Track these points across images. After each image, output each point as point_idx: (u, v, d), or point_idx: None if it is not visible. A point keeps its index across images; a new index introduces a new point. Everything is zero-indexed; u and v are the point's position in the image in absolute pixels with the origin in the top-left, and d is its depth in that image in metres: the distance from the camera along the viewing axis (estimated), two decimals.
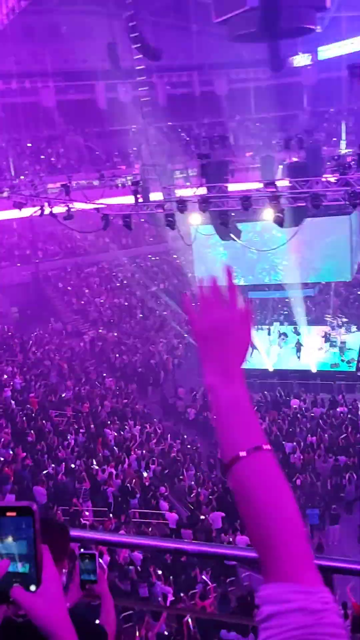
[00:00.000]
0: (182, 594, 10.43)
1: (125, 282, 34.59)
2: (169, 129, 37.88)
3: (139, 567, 11.64)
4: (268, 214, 18.96)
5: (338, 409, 20.98)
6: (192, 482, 16.48)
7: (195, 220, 21.04)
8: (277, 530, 1.01)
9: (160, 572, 11.40)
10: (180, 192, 20.69)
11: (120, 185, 29.32)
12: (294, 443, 18.28)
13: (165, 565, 12.00)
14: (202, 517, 14.42)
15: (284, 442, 18.50)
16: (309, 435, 18.89)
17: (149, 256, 37.08)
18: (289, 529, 1.02)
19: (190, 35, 37.69)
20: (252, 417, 1.16)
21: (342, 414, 20.45)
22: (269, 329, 28.43)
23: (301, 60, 41.31)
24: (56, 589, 1.04)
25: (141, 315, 31.97)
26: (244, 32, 21.98)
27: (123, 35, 26.41)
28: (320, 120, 40.63)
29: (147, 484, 16.17)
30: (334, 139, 31.87)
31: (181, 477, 16.81)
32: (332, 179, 19.11)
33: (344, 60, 28.37)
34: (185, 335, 29.37)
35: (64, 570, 2.17)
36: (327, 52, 38.85)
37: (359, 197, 18.09)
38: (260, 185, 20.05)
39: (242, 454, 1.08)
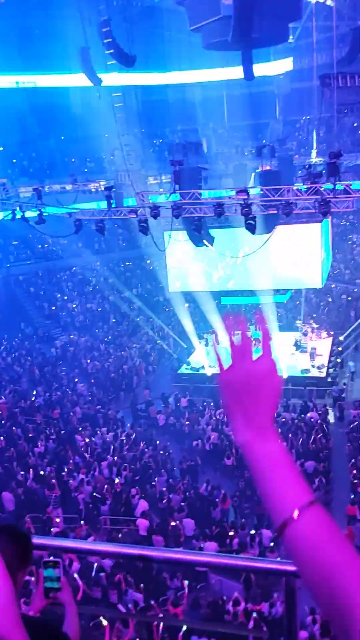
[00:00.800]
0: (152, 602, 10.40)
1: (98, 287, 34.46)
2: (143, 135, 37.94)
3: (108, 574, 11.58)
4: (240, 221, 19.14)
5: (308, 415, 21.19)
6: (164, 488, 16.45)
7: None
8: (352, 593, 0.89)
9: (130, 579, 11.35)
10: (153, 198, 20.76)
11: (93, 190, 29.27)
12: None
13: (136, 572, 11.96)
14: (174, 523, 14.41)
15: None
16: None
17: (123, 261, 37.02)
18: None
19: (165, 41, 37.85)
20: (294, 471, 1.10)
21: (312, 420, 20.66)
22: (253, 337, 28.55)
23: (273, 69, 41.80)
24: (5, 596, 1.04)
25: (114, 320, 31.87)
26: (217, 40, 22.18)
27: (97, 40, 26.37)
28: (292, 129, 41.21)
29: (118, 490, 16.10)
30: (305, 148, 32.33)
31: (153, 483, 16.77)
32: (304, 188, 19.39)
33: (315, 70, 28.81)
34: (159, 341, 29.39)
35: (32, 578, 2.17)
36: (298, 61, 39.42)
37: (329, 205, 18.40)
38: (232, 193, 20.24)
39: (295, 515, 1.00)
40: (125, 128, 32.82)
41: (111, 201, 20.41)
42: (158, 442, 20.24)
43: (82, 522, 14.38)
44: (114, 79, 30.80)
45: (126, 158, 24.50)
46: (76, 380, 25.12)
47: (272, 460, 1.10)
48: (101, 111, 32.72)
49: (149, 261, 35.24)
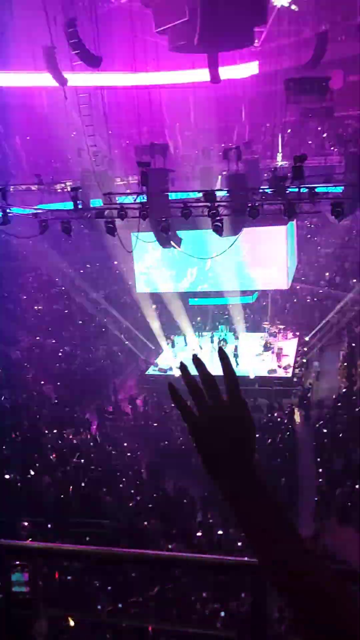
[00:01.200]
0: (119, 604, 10.38)
1: (64, 288, 34.15)
2: (110, 136, 37.76)
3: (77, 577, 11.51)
4: (207, 223, 19.25)
5: (275, 414, 21.43)
6: (132, 490, 16.42)
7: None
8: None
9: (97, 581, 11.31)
10: (120, 199, 20.70)
11: (59, 191, 29.01)
12: None
13: (104, 574, 11.91)
14: (143, 524, 14.40)
15: None
16: None
17: (89, 263, 36.76)
18: None
19: (131, 43, 37.74)
20: (285, 521, 1.06)
21: (278, 419, 20.90)
22: (211, 336, 28.78)
23: (239, 72, 42.07)
24: None
25: (81, 322, 31.64)
26: (183, 43, 22.26)
27: (62, 40, 26.15)
28: (258, 133, 41.57)
29: (85, 492, 16.00)
30: (271, 151, 32.66)
31: (120, 485, 16.72)
32: (269, 190, 19.61)
33: (280, 75, 29.10)
34: (126, 342, 29.30)
35: None
36: (264, 65, 39.76)
37: (294, 208, 18.65)
38: (199, 195, 20.33)
39: (294, 567, 0.98)
40: (92, 129, 32.65)
41: (77, 202, 20.27)
42: (125, 444, 20.21)
43: (48, 525, 14.24)
44: (80, 79, 30.61)
45: (92, 159, 24.35)
46: (42, 382, 24.87)
47: (262, 516, 1.05)
48: (67, 111, 32.50)
49: (116, 262, 35.10)
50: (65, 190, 26.43)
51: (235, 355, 26.19)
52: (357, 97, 35.99)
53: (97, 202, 21.47)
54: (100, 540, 13.17)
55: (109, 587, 11.42)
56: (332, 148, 31.61)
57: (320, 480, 16.79)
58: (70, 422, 21.33)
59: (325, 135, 32.32)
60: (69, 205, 20.78)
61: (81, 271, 35.27)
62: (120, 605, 10.40)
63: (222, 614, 10.04)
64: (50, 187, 28.47)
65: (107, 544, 13.13)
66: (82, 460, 17.89)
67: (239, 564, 2.42)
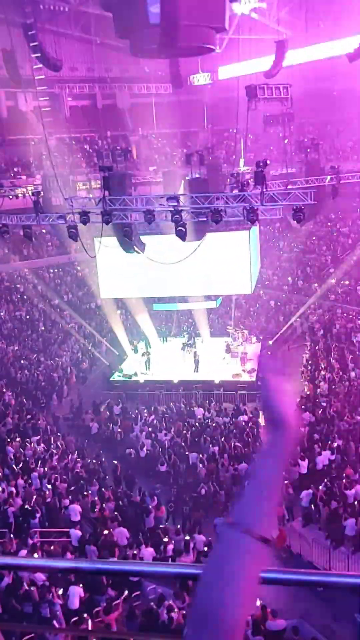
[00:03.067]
0: (85, 615, 10.20)
1: (26, 294, 33.66)
2: (72, 140, 37.52)
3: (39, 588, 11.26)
4: (171, 228, 19.26)
5: (240, 418, 21.50)
6: (96, 498, 16.22)
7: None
8: None
9: (61, 591, 11.10)
10: (82, 204, 20.54)
11: (20, 195, 28.62)
12: (199, 454, 18.53)
13: (69, 584, 11.70)
14: (106, 532, 14.22)
15: (187, 453, 18.70)
16: (211, 445, 19.18)
17: (52, 268, 36.34)
18: None
19: (93, 47, 37.64)
20: None
21: (243, 423, 20.97)
22: (184, 342, 28.76)
23: (201, 79, 42.42)
24: None
25: (43, 328, 31.22)
26: (145, 48, 22.28)
27: (23, 44, 25.90)
28: (220, 138, 41.91)
29: (49, 501, 15.74)
30: (233, 156, 32.95)
31: (85, 493, 16.50)
32: (232, 195, 19.75)
33: (242, 81, 29.42)
34: (90, 348, 29.03)
35: None
36: (225, 72, 40.17)
37: (257, 213, 18.82)
38: (163, 200, 20.33)
39: None
40: (53, 133, 32.37)
41: (39, 206, 20.03)
42: (90, 451, 19.99)
43: (11, 535, 13.94)
44: (41, 82, 30.34)
45: (54, 163, 24.12)
46: (4, 390, 24.40)
47: None
48: (28, 115, 32.19)
49: (79, 267, 34.81)
50: (27, 194, 26.04)
51: (197, 362, 26.24)
52: (317, 104, 36.64)
53: (58, 207, 21.23)
54: (64, 550, 12.95)
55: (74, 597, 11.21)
56: (293, 154, 32.05)
57: (285, 482, 16.88)
58: (34, 430, 20.97)
59: (286, 141, 32.75)
60: (30, 209, 20.51)
61: (44, 277, 34.84)
62: (85, 616, 10.23)
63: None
64: (11, 191, 28.03)
65: (71, 552, 12.93)
66: (46, 469, 17.59)
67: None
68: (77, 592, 11.16)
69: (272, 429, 1.23)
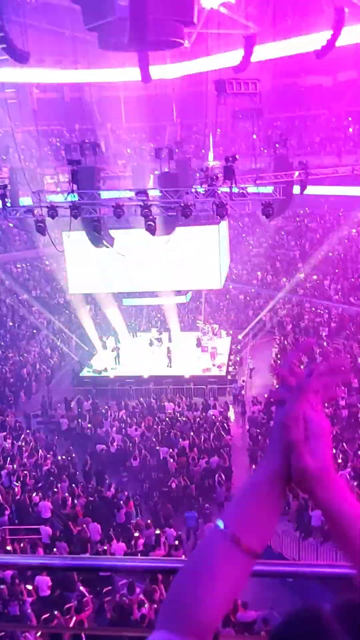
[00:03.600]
0: (55, 612, 10.14)
1: None
2: (39, 133, 37.01)
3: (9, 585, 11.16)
4: (140, 222, 19.17)
5: (210, 412, 21.61)
6: (66, 494, 16.13)
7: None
8: None
9: (30, 587, 11.03)
10: (50, 198, 20.29)
11: None
12: (169, 448, 18.56)
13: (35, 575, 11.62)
14: (78, 528, 14.16)
15: (158, 448, 18.72)
16: (181, 440, 19.24)
17: (20, 262, 35.87)
18: None
19: (61, 39, 37.13)
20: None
21: (213, 417, 21.09)
22: (154, 337, 28.71)
23: (170, 73, 42.22)
24: None
25: (11, 324, 30.82)
26: (113, 41, 22.08)
27: None
28: (189, 133, 41.83)
29: (18, 498, 15.58)
30: (203, 151, 32.95)
31: (55, 489, 16.39)
32: (201, 190, 19.75)
33: (210, 76, 29.38)
34: (59, 344, 28.77)
35: None
36: (194, 66, 40.07)
37: (226, 207, 18.87)
38: (132, 194, 20.22)
39: None
40: (20, 125, 31.89)
41: (6, 200, 19.72)
42: (60, 447, 19.85)
43: None
44: (7, 75, 29.85)
45: (21, 156, 23.77)
46: None
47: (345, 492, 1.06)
48: None
49: (47, 262, 34.43)
50: None
51: (169, 357, 26.25)
52: (285, 99, 36.91)
53: (26, 201, 20.95)
54: (35, 547, 12.85)
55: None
56: (262, 149, 32.22)
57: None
58: (2, 426, 20.72)
59: (255, 136, 32.88)
60: None
61: (11, 271, 34.37)
62: (56, 613, 10.17)
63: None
64: None
65: (43, 550, 12.84)
66: (15, 466, 17.41)
67: (176, 565, 2.37)
68: (45, 580, 11.23)
69: None
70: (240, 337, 29.32)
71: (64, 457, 18.84)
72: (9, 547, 13.09)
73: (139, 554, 13.00)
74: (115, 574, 11.33)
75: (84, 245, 21.97)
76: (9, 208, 19.99)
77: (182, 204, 18.97)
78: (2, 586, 11.02)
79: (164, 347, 27.15)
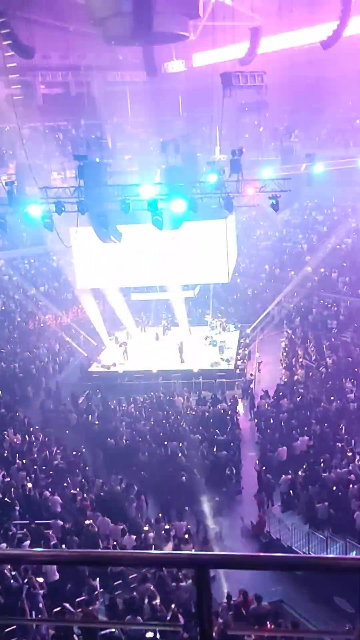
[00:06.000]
0: (66, 604, 10.20)
1: (2, 285, 33.26)
2: (45, 129, 37.03)
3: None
4: (147, 216, 19.15)
5: (219, 406, 21.60)
6: (77, 489, 16.19)
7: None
8: None
9: (42, 579, 11.08)
10: (57, 193, 20.29)
11: None
12: (179, 442, 18.58)
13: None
14: (88, 522, 14.21)
15: (167, 442, 18.75)
16: (191, 434, 19.27)
17: (28, 258, 35.91)
18: None
19: (66, 34, 37.08)
20: None
21: (222, 411, 21.08)
22: (159, 331, 28.75)
23: (175, 66, 42.10)
24: None
25: (19, 319, 30.91)
26: (118, 35, 22.03)
27: None
28: (195, 126, 41.67)
29: (29, 494, 15.65)
30: (209, 145, 32.81)
31: (65, 484, 16.45)
32: (209, 184, 19.70)
33: (216, 69, 29.24)
34: (68, 339, 28.87)
35: None
36: (200, 59, 39.90)
37: (233, 201, 18.82)
38: (139, 188, 20.19)
39: None
40: (26, 122, 31.85)
41: (13, 196, 19.74)
42: (69, 442, 19.91)
43: None
44: (13, 70, 29.81)
45: (28, 152, 23.77)
46: None
47: None
48: (0, 104, 31.55)
49: (55, 258, 34.49)
50: (0, 184, 25.63)
51: (181, 351, 26.21)
52: (292, 91, 36.62)
53: (33, 197, 20.95)
54: (46, 541, 12.92)
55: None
56: (269, 142, 32.07)
57: (264, 468, 17.06)
58: (12, 422, 20.80)
59: (261, 129, 32.75)
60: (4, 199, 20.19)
61: (19, 267, 34.46)
62: (67, 605, 10.23)
63: (173, 606, 10.04)
64: None
65: (54, 544, 12.91)
66: (25, 461, 17.48)
67: (183, 558, 2.38)
68: (52, 567, 11.34)
69: None
70: (248, 330, 29.28)
71: (74, 452, 18.89)
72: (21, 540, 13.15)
73: (150, 548, 13.03)
74: (126, 568, 11.39)
75: (92, 240, 21.99)
76: (16, 204, 20.02)
77: (190, 198, 18.93)
78: (13, 582, 11.07)
79: (175, 343, 27.07)
